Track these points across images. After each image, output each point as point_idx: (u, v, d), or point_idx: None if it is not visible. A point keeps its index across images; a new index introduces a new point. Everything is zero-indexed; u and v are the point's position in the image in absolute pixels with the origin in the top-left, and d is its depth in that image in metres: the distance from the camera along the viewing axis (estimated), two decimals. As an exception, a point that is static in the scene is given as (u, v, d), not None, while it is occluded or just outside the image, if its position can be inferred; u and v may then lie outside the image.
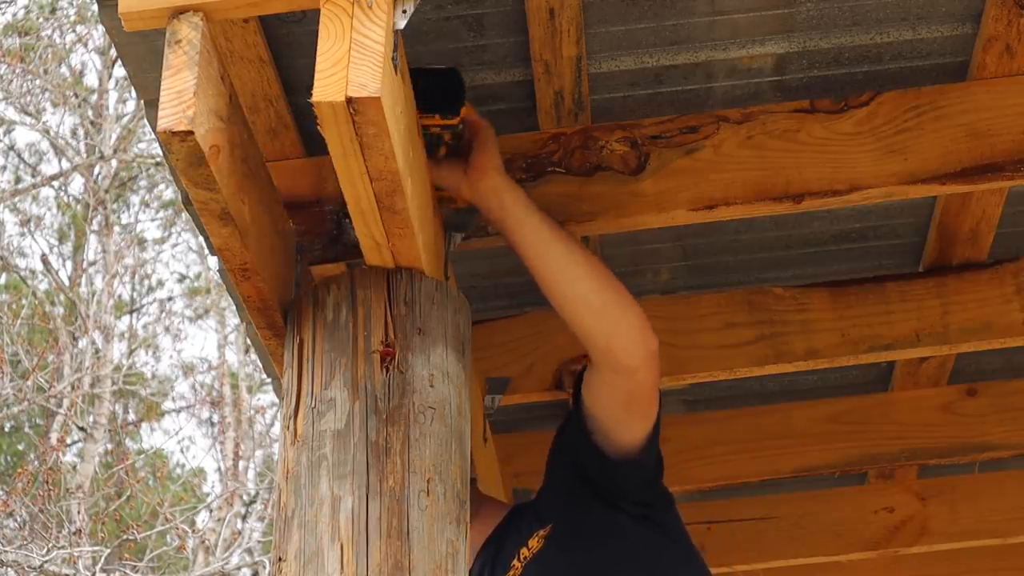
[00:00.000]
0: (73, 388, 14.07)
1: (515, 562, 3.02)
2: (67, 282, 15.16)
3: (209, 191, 2.50)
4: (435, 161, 2.93)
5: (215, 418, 15.74)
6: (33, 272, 15.64)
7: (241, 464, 15.64)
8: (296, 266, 2.91)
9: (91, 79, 15.56)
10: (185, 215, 14.06)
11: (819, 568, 4.88)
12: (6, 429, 15.06)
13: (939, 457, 4.33)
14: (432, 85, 2.85)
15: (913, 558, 4.92)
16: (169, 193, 15.93)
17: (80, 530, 12.74)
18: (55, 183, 15.49)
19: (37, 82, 14.76)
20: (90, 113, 15.27)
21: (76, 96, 15.20)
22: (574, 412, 3.12)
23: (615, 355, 2.98)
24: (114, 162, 15.25)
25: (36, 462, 13.71)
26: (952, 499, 4.70)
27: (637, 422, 3.05)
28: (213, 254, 2.86)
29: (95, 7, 2.82)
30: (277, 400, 6.29)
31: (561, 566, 3.00)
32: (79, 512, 13.10)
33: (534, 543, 3.07)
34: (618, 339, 2.96)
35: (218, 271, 3.10)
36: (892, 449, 4.32)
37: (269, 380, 4.12)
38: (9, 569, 11.37)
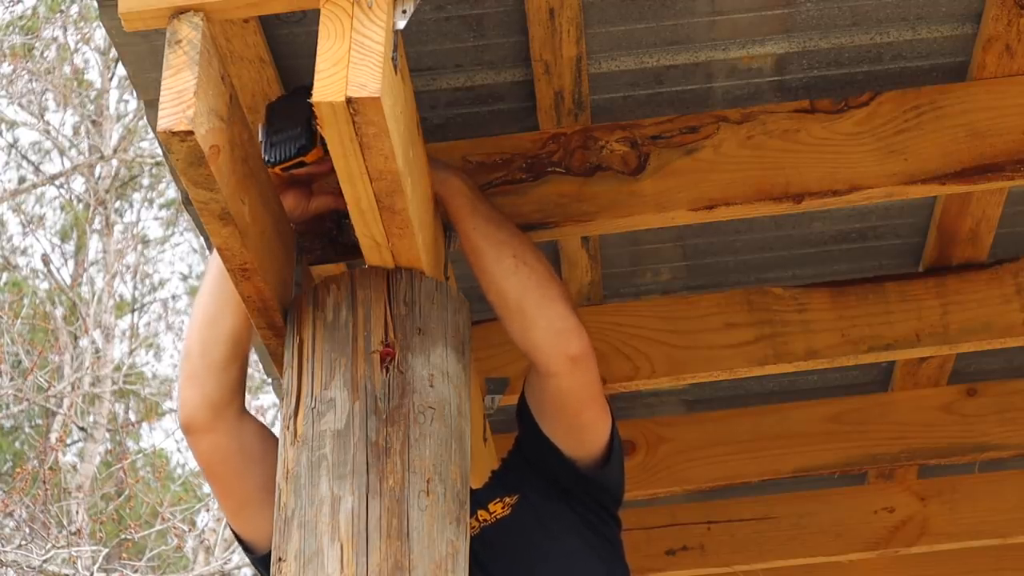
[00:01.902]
0: (73, 388, 14.06)
1: (471, 520, 2.97)
2: (68, 282, 15.15)
3: (209, 191, 2.50)
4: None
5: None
6: (35, 271, 15.65)
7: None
8: (296, 266, 2.91)
9: (92, 76, 15.57)
10: (186, 215, 14.06)
11: (819, 568, 4.88)
12: (6, 429, 15.06)
13: (939, 457, 4.33)
14: (279, 125, 2.76)
15: (913, 558, 4.92)
16: (170, 192, 15.93)
17: (80, 530, 12.73)
18: (56, 182, 15.48)
19: (38, 82, 14.76)
20: (91, 109, 15.27)
21: (78, 95, 15.20)
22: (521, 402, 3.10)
23: (532, 357, 2.95)
24: (114, 162, 15.24)
25: (36, 462, 13.69)
26: (952, 499, 4.70)
27: (574, 432, 2.99)
28: (213, 254, 2.86)
29: (95, 6, 2.81)
30: (277, 400, 6.29)
31: (522, 543, 2.95)
32: (79, 512, 13.09)
33: (496, 508, 3.01)
34: (533, 341, 2.92)
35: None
36: (892, 449, 4.32)
37: (269, 380, 4.11)
38: (9, 569, 11.37)
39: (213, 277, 2.90)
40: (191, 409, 2.90)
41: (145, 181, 16.03)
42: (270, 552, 2.70)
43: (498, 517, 3.00)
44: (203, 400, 2.89)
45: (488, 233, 2.94)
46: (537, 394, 3.02)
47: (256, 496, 2.89)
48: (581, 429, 3.00)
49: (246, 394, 2.98)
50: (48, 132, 15.33)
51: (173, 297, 16.41)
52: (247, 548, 3.00)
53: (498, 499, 3.04)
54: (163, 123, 2.39)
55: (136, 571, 12.73)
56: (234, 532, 3.03)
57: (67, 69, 15.14)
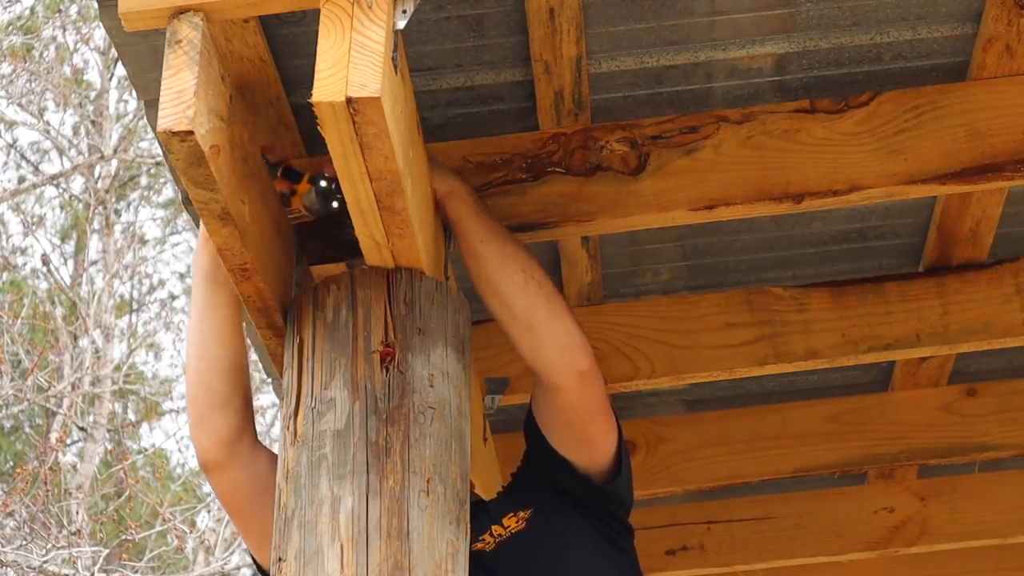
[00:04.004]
0: (73, 388, 14.05)
1: (486, 536, 2.98)
2: (68, 282, 15.15)
3: (209, 191, 2.51)
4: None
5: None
6: (35, 271, 15.64)
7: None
8: (296, 266, 2.91)
9: (92, 77, 15.57)
10: (185, 214, 14.05)
11: (819, 568, 4.88)
12: (6, 429, 15.05)
13: (939, 457, 4.33)
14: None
15: (913, 558, 4.92)
16: (169, 192, 15.93)
17: (80, 530, 12.73)
18: (56, 182, 15.48)
19: (38, 82, 14.75)
20: (91, 109, 15.26)
21: (78, 95, 15.20)
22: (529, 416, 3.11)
23: (539, 373, 2.96)
24: (114, 162, 15.24)
25: (36, 462, 13.69)
26: (952, 499, 4.70)
27: (583, 445, 3.00)
28: (213, 254, 2.86)
29: (95, 6, 2.82)
30: (277, 400, 6.29)
31: (539, 556, 2.97)
32: (79, 512, 13.09)
33: (511, 522, 3.02)
34: (542, 357, 2.93)
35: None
36: (892, 449, 4.32)
37: (269, 380, 4.12)
38: (9, 569, 11.37)
39: (196, 310, 2.95)
40: (207, 448, 2.94)
41: (144, 181, 16.03)
42: None
43: (513, 532, 3.01)
44: (216, 439, 2.93)
45: (495, 247, 2.94)
46: (545, 409, 3.03)
47: None
48: (589, 441, 3.01)
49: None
50: (48, 132, 15.33)
51: (172, 296, 16.42)
52: None
53: (512, 513, 3.05)
54: (163, 123, 2.39)
55: (136, 571, 12.73)
56: (256, 564, 3.05)
57: (67, 69, 15.14)
